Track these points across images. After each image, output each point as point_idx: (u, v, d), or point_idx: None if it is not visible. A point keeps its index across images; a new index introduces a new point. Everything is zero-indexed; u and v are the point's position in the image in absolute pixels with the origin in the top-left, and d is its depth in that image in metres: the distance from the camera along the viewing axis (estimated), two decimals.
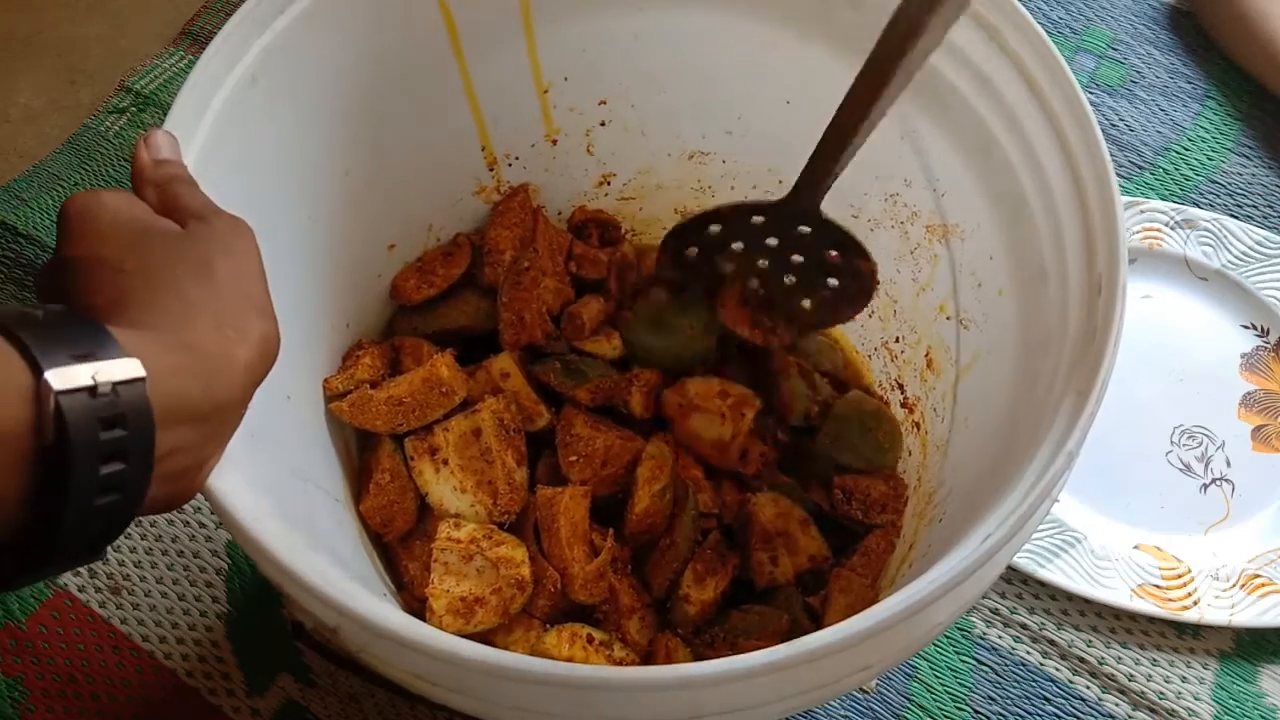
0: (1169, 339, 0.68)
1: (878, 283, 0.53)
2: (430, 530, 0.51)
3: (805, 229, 0.51)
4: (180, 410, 0.28)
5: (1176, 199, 0.75)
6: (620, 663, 0.50)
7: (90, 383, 0.25)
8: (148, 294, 0.31)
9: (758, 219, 0.52)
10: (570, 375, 0.56)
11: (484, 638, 0.47)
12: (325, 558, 0.34)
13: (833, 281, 0.54)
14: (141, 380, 0.27)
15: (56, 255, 0.33)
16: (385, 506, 0.52)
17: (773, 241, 0.53)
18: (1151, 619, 0.59)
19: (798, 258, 0.54)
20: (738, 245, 0.54)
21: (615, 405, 0.57)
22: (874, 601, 0.41)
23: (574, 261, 0.62)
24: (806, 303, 0.55)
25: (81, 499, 0.26)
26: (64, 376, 0.25)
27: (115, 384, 0.26)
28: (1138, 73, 0.81)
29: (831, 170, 0.47)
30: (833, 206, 0.59)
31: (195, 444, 0.30)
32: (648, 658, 0.51)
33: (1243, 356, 0.68)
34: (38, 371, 0.25)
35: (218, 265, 0.33)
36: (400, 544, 0.53)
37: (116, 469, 0.26)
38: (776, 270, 0.55)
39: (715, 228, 0.54)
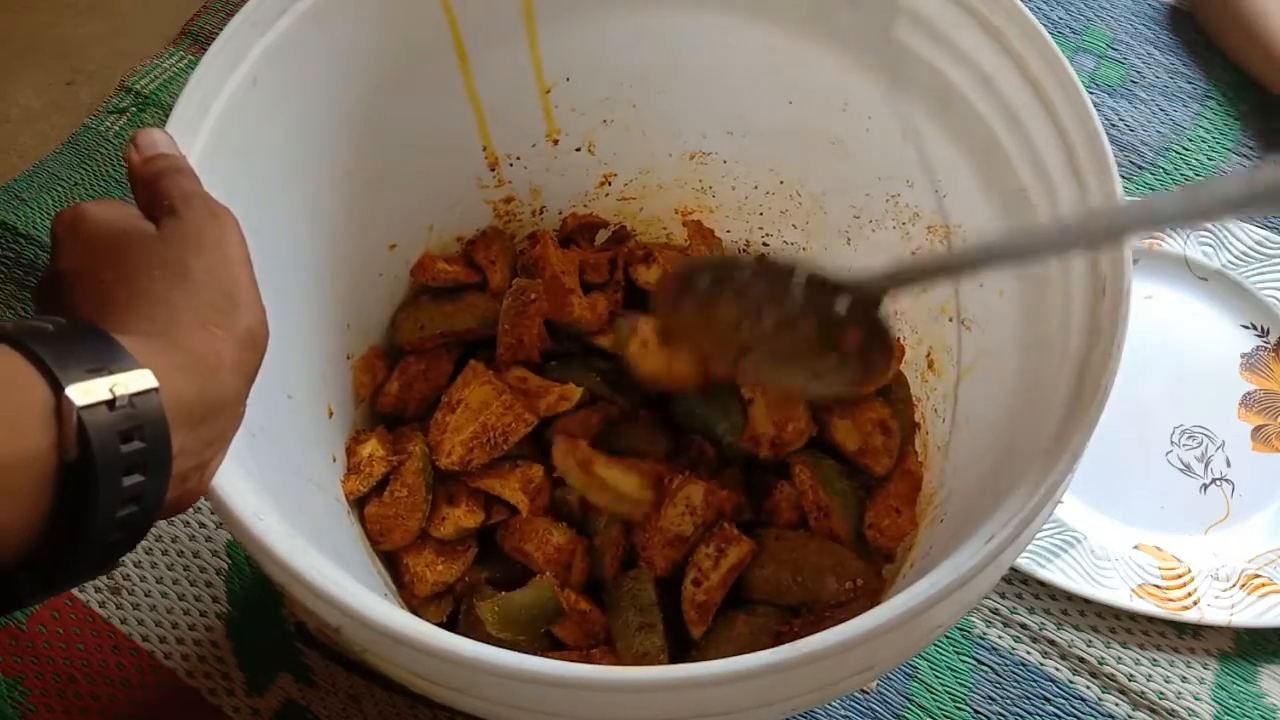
0: (1169, 339, 0.68)
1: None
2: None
3: (840, 311, 0.44)
4: (178, 414, 0.28)
5: None
6: None
7: (109, 396, 0.25)
8: (129, 301, 0.31)
9: (794, 280, 0.45)
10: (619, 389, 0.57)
11: None
12: (327, 557, 0.34)
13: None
14: (155, 390, 0.27)
15: (47, 270, 0.33)
16: (389, 517, 0.52)
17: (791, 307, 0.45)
18: (1151, 619, 0.59)
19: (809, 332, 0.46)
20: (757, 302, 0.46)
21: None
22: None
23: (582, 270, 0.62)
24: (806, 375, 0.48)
25: (105, 514, 0.26)
26: (84, 392, 0.25)
27: (131, 396, 0.26)
28: (1138, 73, 0.81)
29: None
30: (835, 208, 0.60)
31: (195, 447, 0.30)
32: None
33: (1243, 356, 0.68)
34: (57, 388, 0.25)
35: (191, 263, 0.32)
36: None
37: (137, 481, 0.26)
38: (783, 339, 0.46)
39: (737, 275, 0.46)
